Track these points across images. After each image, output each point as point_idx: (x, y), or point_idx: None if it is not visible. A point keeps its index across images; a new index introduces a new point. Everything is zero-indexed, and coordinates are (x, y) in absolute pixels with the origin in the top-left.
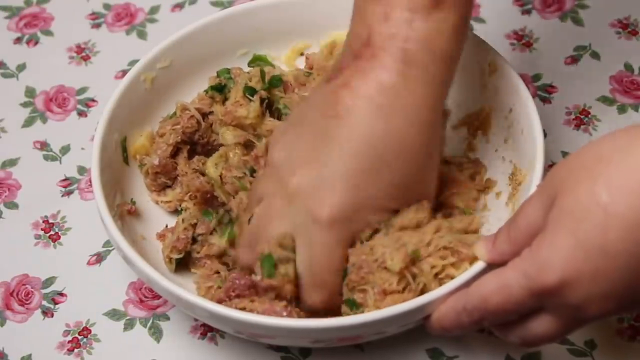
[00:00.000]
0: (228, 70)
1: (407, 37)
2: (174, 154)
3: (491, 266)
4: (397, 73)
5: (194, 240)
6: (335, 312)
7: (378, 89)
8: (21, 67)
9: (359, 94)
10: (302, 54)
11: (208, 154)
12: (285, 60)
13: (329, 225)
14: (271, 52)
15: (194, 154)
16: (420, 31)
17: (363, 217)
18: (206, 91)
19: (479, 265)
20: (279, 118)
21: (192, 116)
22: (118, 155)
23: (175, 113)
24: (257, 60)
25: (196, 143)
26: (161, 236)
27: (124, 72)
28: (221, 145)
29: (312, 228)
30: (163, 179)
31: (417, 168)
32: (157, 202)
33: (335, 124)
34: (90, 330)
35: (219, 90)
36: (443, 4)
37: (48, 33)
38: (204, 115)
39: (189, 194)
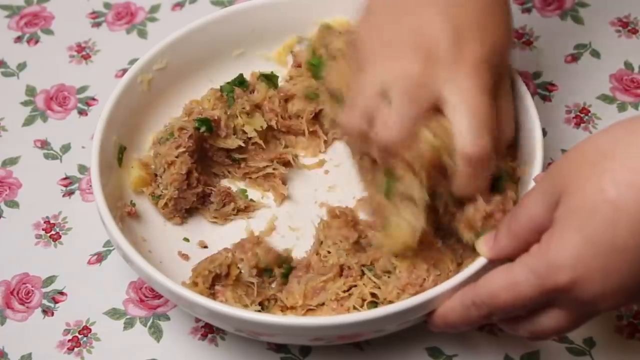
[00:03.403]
0: (232, 89)
1: None
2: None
3: (492, 263)
4: None
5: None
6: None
7: None
8: (22, 66)
9: None
10: (292, 51)
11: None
12: (276, 57)
13: (475, 69)
14: (268, 52)
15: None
16: None
17: (496, 62)
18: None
19: (480, 262)
20: None
21: (190, 135)
22: (116, 157)
23: (171, 133)
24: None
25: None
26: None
27: (124, 71)
28: (227, 149)
29: (462, 79)
30: (183, 204)
31: (507, 29)
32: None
33: None
34: (90, 330)
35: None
36: None
37: (48, 32)
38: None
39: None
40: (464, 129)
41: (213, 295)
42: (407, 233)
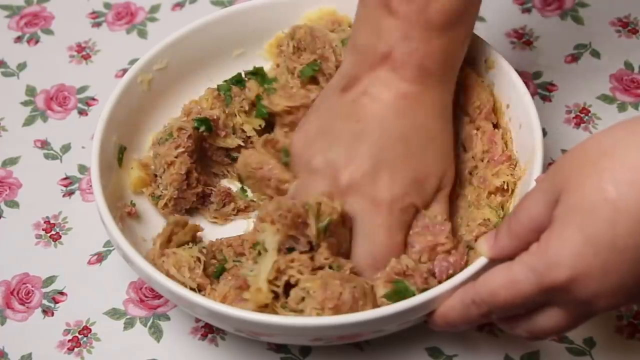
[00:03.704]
0: (229, 87)
1: (425, 54)
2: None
3: (493, 262)
4: (416, 83)
5: None
6: None
7: (398, 96)
8: (22, 66)
9: (381, 100)
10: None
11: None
12: (267, 49)
13: (389, 208)
14: (266, 53)
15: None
16: (437, 47)
17: (416, 198)
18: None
19: (481, 262)
20: None
21: (189, 135)
22: (116, 157)
23: (170, 134)
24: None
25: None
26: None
27: (125, 71)
28: (227, 149)
29: (374, 213)
30: (183, 204)
31: (443, 156)
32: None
33: (363, 126)
34: (90, 330)
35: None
36: (457, 23)
37: (48, 32)
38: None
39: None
40: (361, 254)
41: (162, 254)
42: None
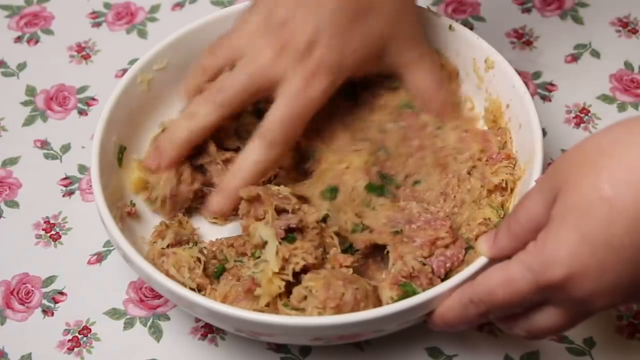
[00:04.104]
0: None
1: None
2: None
3: (492, 262)
4: None
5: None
6: None
7: None
8: (22, 66)
9: None
10: None
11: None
12: None
13: (312, 74)
14: None
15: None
16: None
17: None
18: None
19: (481, 261)
20: None
21: None
22: (116, 157)
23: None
24: None
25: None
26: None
27: (125, 71)
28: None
29: (297, 79)
30: (180, 203)
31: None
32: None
33: None
34: (90, 330)
35: None
36: None
37: (48, 32)
38: None
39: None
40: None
41: (161, 254)
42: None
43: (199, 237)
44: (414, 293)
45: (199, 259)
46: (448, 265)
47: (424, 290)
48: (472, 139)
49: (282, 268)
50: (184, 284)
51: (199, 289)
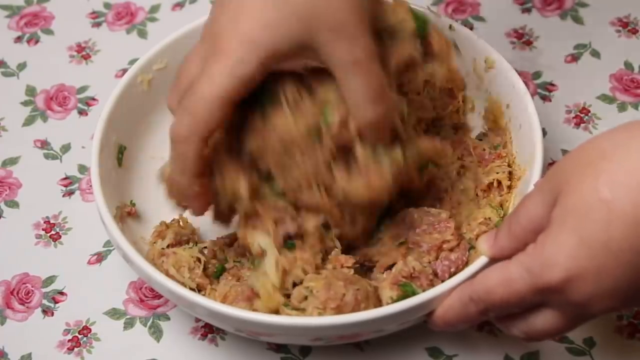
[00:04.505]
0: None
1: None
2: None
3: (492, 262)
4: None
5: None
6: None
7: None
8: (22, 66)
9: None
10: None
11: None
12: None
13: (233, 50)
14: None
15: None
16: None
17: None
18: None
19: (481, 261)
20: None
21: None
22: (116, 157)
23: None
24: None
25: None
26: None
27: (125, 71)
28: None
29: (218, 56)
30: None
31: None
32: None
33: None
34: (90, 330)
35: None
36: None
37: (48, 32)
38: None
39: None
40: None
41: (162, 254)
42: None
43: (199, 237)
44: (414, 293)
45: (199, 259)
46: (452, 269)
47: (424, 290)
48: (448, 146)
49: (282, 281)
50: (183, 284)
51: (199, 289)
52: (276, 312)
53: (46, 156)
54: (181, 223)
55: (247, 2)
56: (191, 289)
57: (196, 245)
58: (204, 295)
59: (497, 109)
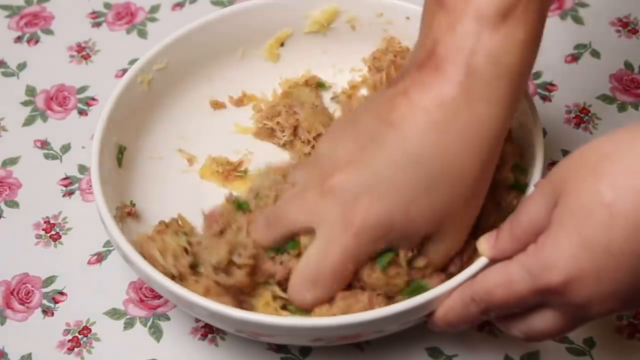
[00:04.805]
0: None
1: (474, 50)
2: None
3: (493, 262)
4: (460, 86)
5: None
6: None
7: (437, 102)
8: (22, 66)
9: (416, 104)
10: (282, 44)
11: None
12: (267, 49)
13: (356, 234)
14: (266, 53)
15: None
16: (488, 44)
17: (392, 237)
18: None
19: (481, 262)
20: None
21: None
22: (116, 157)
23: None
24: None
25: None
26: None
27: (124, 71)
28: None
29: (339, 230)
30: None
31: (462, 195)
32: None
33: (386, 130)
34: (90, 330)
35: None
36: (511, 18)
37: (48, 32)
38: None
39: None
40: (299, 269)
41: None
42: None
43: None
44: (421, 288)
45: (186, 250)
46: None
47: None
48: None
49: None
50: (164, 270)
51: (180, 279)
52: (269, 307)
53: (46, 156)
54: (180, 222)
55: None
56: (172, 277)
57: (185, 235)
58: (183, 285)
59: None
